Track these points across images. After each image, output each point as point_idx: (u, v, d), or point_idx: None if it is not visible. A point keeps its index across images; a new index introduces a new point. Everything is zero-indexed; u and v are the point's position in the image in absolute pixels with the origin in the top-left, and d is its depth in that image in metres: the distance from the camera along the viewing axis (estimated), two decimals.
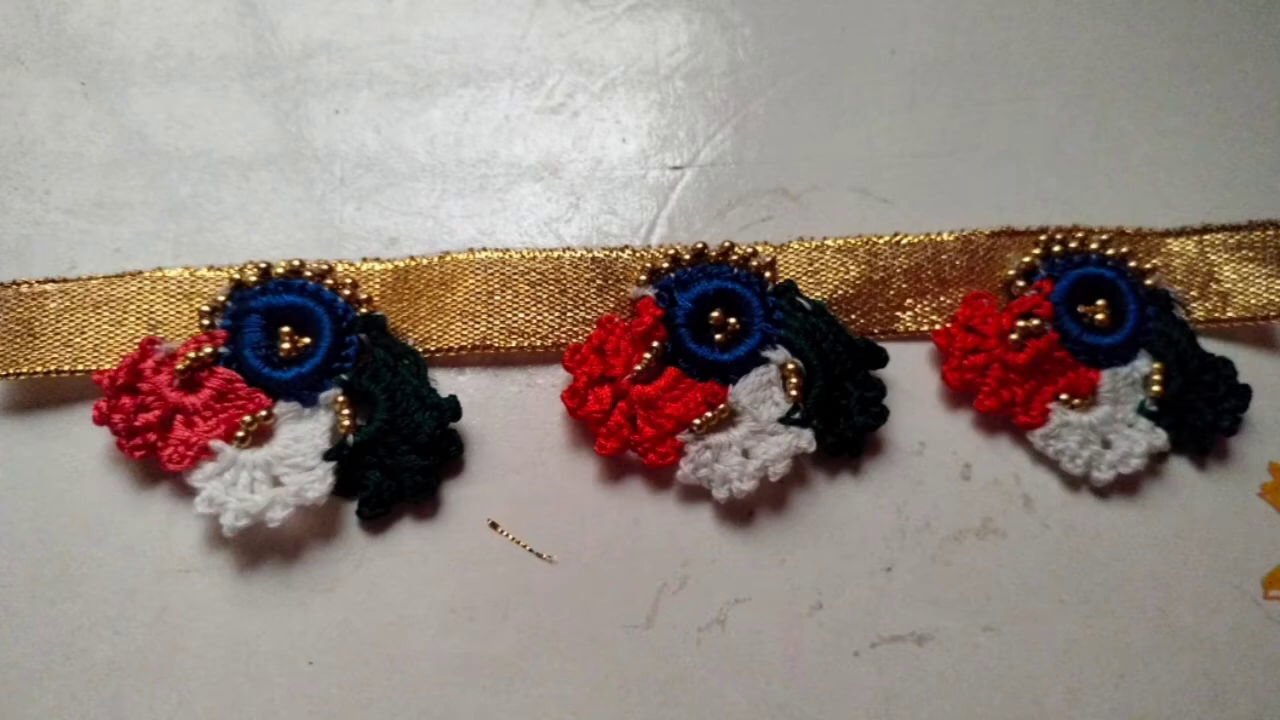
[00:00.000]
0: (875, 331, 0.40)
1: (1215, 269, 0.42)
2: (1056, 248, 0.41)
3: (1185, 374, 0.39)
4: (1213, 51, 0.46)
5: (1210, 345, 0.41)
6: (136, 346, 0.36)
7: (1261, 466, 0.40)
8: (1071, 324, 0.40)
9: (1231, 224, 0.42)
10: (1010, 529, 0.38)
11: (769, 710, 0.35)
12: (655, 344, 0.38)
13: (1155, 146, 0.44)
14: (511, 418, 0.38)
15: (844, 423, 0.38)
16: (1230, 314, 0.41)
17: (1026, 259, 0.41)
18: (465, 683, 0.34)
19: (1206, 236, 0.42)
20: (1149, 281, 0.41)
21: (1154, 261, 0.42)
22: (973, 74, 0.45)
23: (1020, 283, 0.41)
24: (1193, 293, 0.42)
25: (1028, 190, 0.43)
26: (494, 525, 0.36)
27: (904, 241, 0.41)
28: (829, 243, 0.40)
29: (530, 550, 0.36)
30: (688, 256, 0.40)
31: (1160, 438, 0.39)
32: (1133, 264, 0.41)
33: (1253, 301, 0.41)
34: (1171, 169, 0.44)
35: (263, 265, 0.38)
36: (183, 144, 0.41)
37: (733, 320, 0.39)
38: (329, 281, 0.38)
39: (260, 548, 0.35)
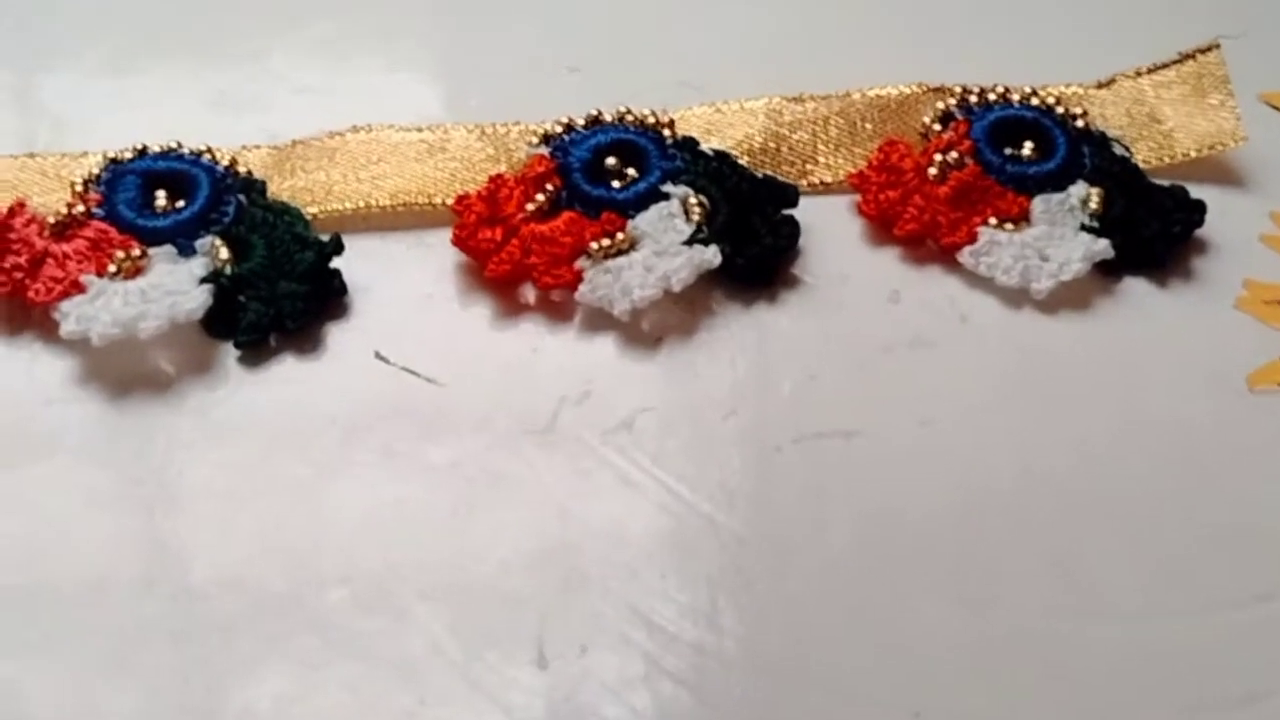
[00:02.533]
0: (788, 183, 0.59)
1: (1155, 110, 0.61)
2: (974, 99, 0.61)
3: (1129, 197, 0.57)
4: None
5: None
6: None
7: (1232, 284, 0.57)
8: (994, 155, 0.59)
9: (1161, 63, 0.62)
10: (944, 341, 0.54)
11: (683, 505, 0.49)
12: (549, 187, 0.57)
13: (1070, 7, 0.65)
14: (399, 271, 0.56)
15: (753, 247, 0.55)
16: (1177, 150, 0.60)
17: (941, 105, 0.60)
18: (340, 482, 0.49)
19: (1140, 80, 0.62)
20: (1080, 124, 0.60)
21: (1088, 110, 0.61)
22: None
23: (936, 127, 0.60)
24: (1133, 135, 0.60)
25: (941, 60, 0.63)
26: (381, 356, 0.53)
27: (809, 98, 0.60)
28: (729, 105, 0.60)
29: (420, 375, 0.53)
30: (582, 123, 0.60)
31: (1102, 244, 0.56)
32: (1060, 110, 0.60)
33: (1200, 132, 0.60)
34: (1085, 27, 0.65)
35: (139, 146, 0.58)
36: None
37: (631, 171, 0.58)
38: (208, 156, 0.58)
39: (132, 380, 0.52)
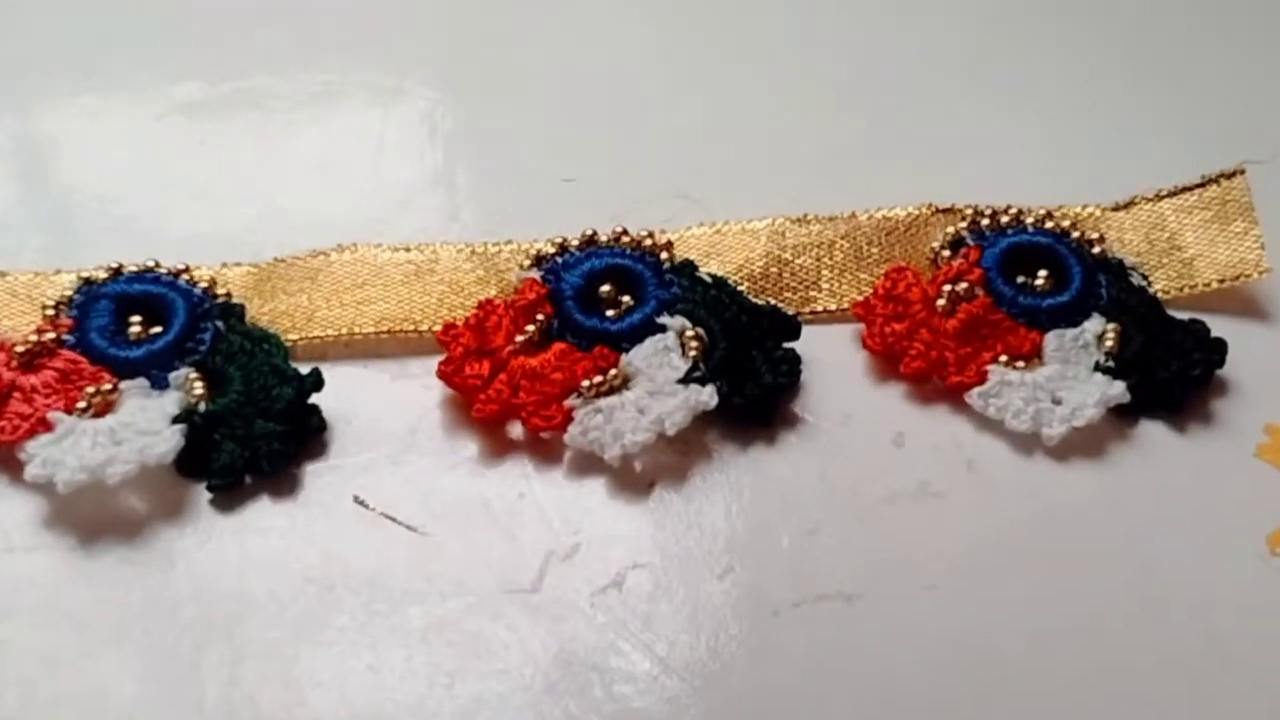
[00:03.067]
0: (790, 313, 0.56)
1: (1175, 235, 0.58)
2: (986, 221, 0.58)
3: (1147, 334, 0.55)
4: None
5: (1182, 316, 0.57)
6: None
7: (1253, 429, 0.54)
8: (1006, 287, 0.56)
9: (1183, 185, 0.59)
10: (951, 491, 0.52)
11: (676, 669, 0.47)
12: (540, 317, 0.54)
13: (1087, 127, 0.63)
14: (382, 404, 0.54)
15: (752, 384, 0.53)
16: (1198, 280, 0.57)
17: (952, 229, 0.58)
18: (316, 647, 0.47)
19: (1160, 203, 0.59)
20: (1096, 250, 0.57)
21: (1105, 234, 0.58)
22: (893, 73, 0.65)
23: (946, 253, 0.58)
24: (1153, 262, 0.58)
25: (955, 185, 0.61)
26: (360, 501, 0.51)
27: (813, 220, 0.58)
28: (730, 226, 0.58)
29: (400, 523, 0.50)
30: (576, 243, 0.57)
31: (1117, 388, 0.53)
32: (1076, 234, 0.58)
33: (1222, 261, 0.57)
34: (1103, 148, 0.62)
35: (114, 265, 0.55)
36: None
37: (626, 298, 0.56)
38: (186, 277, 0.55)
39: (98, 525, 0.50)
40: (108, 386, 0.51)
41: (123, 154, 0.66)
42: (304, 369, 0.53)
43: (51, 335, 0.53)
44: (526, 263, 0.56)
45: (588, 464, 0.52)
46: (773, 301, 0.56)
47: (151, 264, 0.56)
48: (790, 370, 0.53)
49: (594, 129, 0.65)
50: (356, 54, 0.71)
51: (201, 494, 0.51)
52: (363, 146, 0.65)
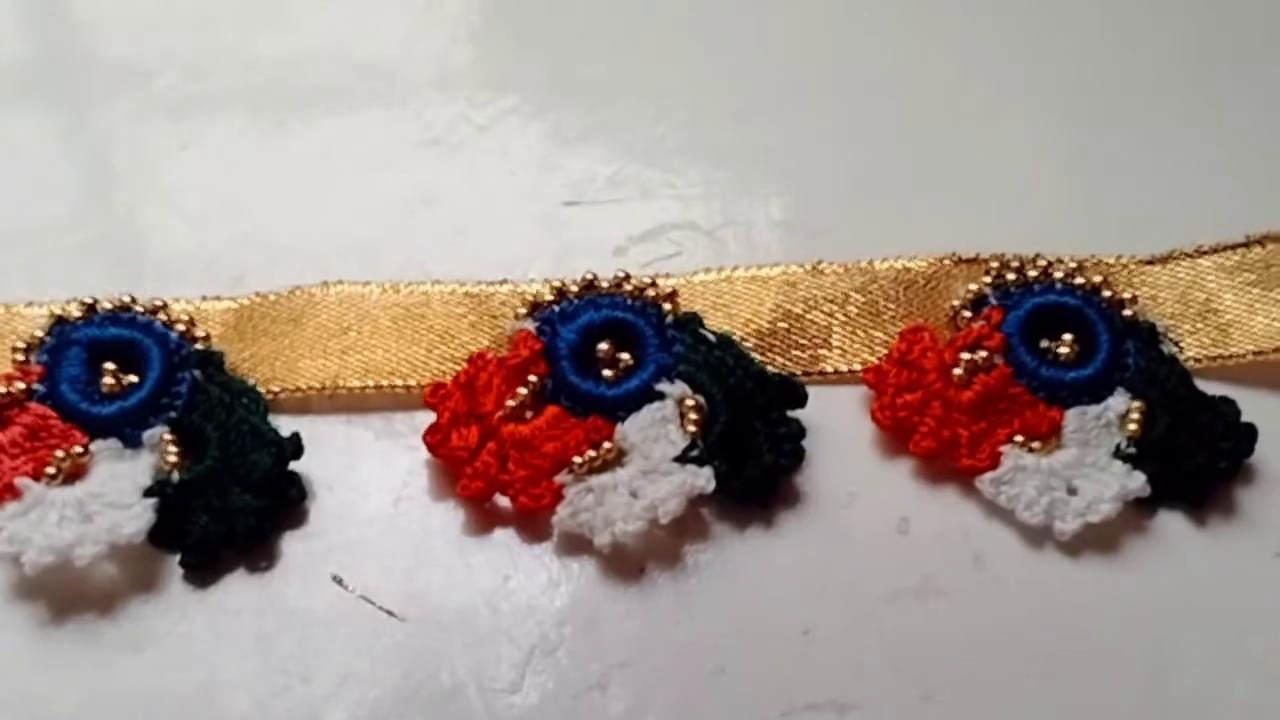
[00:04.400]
0: (797, 373, 0.53)
1: (1213, 297, 0.55)
2: (1012, 275, 0.55)
3: (1173, 414, 0.52)
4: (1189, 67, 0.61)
5: (1214, 389, 0.53)
6: None
7: (1277, 523, 0.51)
8: (1027, 356, 0.53)
9: (1227, 243, 0.55)
10: (955, 589, 0.50)
11: None
12: (533, 379, 0.52)
13: (1131, 171, 0.58)
14: (364, 466, 0.52)
15: (752, 464, 0.50)
16: (1233, 349, 0.54)
17: (975, 286, 0.54)
18: None
19: (1200, 260, 0.55)
20: (1128, 312, 0.54)
21: (1136, 293, 0.55)
22: (920, 90, 0.61)
23: (967, 313, 0.54)
24: (1186, 326, 0.54)
25: (980, 224, 0.57)
26: (338, 580, 0.49)
27: (828, 270, 0.54)
28: (739, 273, 0.54)
29: (379, 607, 0.48)
30: (575, 288, 0.54)
31: (1137, 480, 0.50)
32: (1107, 294, 0.54)
33: (1260, 331, 0.54)
34: (1145, 197, 0.58)
35: (88, 300, 0.52)
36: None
37: (625, 356, 0.53)
38: (162, 317, 0.52)
39: (66, 601, 0.48)
40: (78, 450, 0.49)
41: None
42: (284, 426, 0.51)
43: (21, 386, 0.51)
44: (522, 310, 0.53)
45: (577, 541, 0.50)
46: (780, 360, 0.54)
47: (127, 299, 0.53)
48: (793, 451, 0.51)
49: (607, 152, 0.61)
50: None
51: (173, 562, 0.49)
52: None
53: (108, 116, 0.64)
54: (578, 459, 0.50)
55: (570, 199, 0.59)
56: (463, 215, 0.59)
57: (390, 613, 0.48)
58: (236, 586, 0.49)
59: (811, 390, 0.53)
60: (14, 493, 0.48)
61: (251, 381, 0.52)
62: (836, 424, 0.53)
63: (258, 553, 0.50)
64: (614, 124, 0.62)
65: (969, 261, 0.55)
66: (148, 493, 0.49)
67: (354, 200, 0.59)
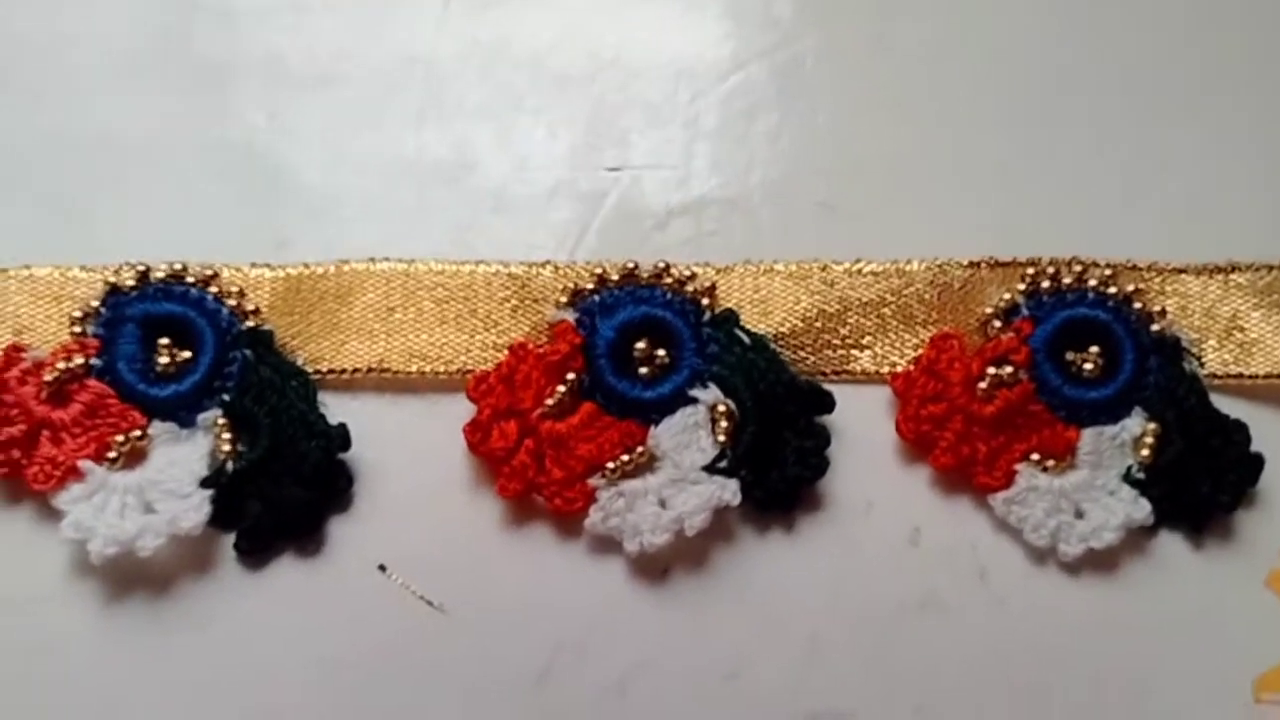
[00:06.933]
0: (827, 372, 0.55)
1: (1240, 315, 0.56)
2: (1046, 283, 0.56)
3: (1187, 437, 0.54)
4: (1251, 69, 0.60)
5: (1229, 405, 0.55)
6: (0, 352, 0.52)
7: (1271, 550, 0.54)
8: (1052, 373, 0.55)
9: (1263, 262, 0.56)
10: (958, 604, 0.53)
11: None
12: (571, 376, 0.54)
13: (1176, 174, 0.58)
14: (408, 450, 0.54)
15: (777, 474, 0.53)
16: (1253, 369, 0.56)
17: (1008, 295, 0.55)
18: None
19: (1232, 275, 0.56)
20: (1156, 327, 0.55)
21: (1166, 303, 0.56)
22: (970, 75, 0.60)
23: (998, 322, 0.56)
24: (1210, 341, 0.56)
25: (1021, 216, 0.58)
26: (383, 569, 0.52)
27: (866, 270, 0.56)
28: (779, 268, 0.56)
29: (421, 598, 0.52)
30: (616, 277, 0.55)
31: (1142, 509, 0.53)
32: (1138, 305, 0.55)
33: None
34: (1193, 201, 0.58)
35: (141, 267, 0.54)
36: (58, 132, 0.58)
37: (661, 352, 0.54)
38: (214, 289, 0.54)
39: (129, 578, 0.51)
40: (137, 433, 0.52)
41: None
42: (329, 402, 0.54)
43: (80, 360, 0.53)
44: (563, 299, 0.55)
45: (608, 539, 0.53)
46: (812, 359, 0.56)
47: (179, 267, 0.54)
48: (817, 464, 0.53)
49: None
50: None
51: (226, 542, 0.53)
52: None
53: None
54: (610, 464, 0.52)
55: (613, 165, 0.59)
56: (503, 182, 0.59)
57: (430, 603, 0.52)
58: (288, 570, 0.53)
59: (838, 389, 0.54)
60: (77, 475, 0.51)
61: (299, 359, 0.54)
62: (861, 425, 0.55)
63: (306, 537, 0.53)
64: (653, 98, 0.61)
65: (1004, 265, 0.56)
66: (204, 483, 0.51)
67: (394, 166, 0.59)
